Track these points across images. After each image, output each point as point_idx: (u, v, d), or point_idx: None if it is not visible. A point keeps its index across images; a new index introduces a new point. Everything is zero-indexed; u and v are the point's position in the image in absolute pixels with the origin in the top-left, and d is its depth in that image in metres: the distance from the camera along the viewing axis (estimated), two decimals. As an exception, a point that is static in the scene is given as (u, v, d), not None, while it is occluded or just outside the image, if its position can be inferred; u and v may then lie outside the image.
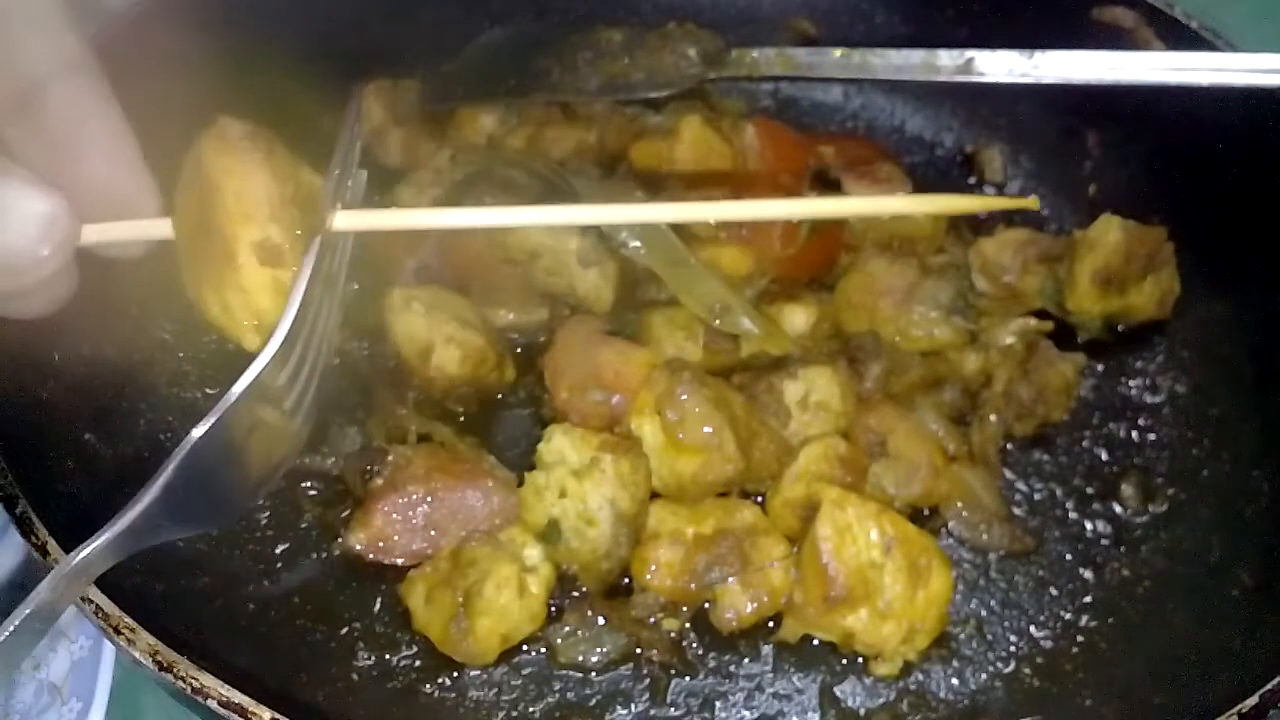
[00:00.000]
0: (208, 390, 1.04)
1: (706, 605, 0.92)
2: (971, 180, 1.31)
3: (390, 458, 0.95)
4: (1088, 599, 0.98)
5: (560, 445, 0.92)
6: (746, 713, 0.90)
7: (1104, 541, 1.02)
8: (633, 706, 0.89)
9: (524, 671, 0.90)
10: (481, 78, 1.23)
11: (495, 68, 1.24)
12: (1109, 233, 1.07)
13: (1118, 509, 1.04)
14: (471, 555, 0.89)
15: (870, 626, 0.88)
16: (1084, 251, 1.08)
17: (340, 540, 0.94)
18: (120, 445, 0.95)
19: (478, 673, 0.90)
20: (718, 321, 1.02)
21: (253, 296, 0.72)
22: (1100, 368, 1.13)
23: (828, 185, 1.18)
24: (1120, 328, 1.13)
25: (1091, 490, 1.05)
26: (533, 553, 0.91)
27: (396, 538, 0.93)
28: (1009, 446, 1.06)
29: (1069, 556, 1.00)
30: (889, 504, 0.95)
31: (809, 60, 1.17)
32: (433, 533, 0.93)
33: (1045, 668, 0.93)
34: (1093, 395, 1.11)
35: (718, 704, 0.90)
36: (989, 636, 0.95)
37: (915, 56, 1.12)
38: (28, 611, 0.62)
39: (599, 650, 0.91)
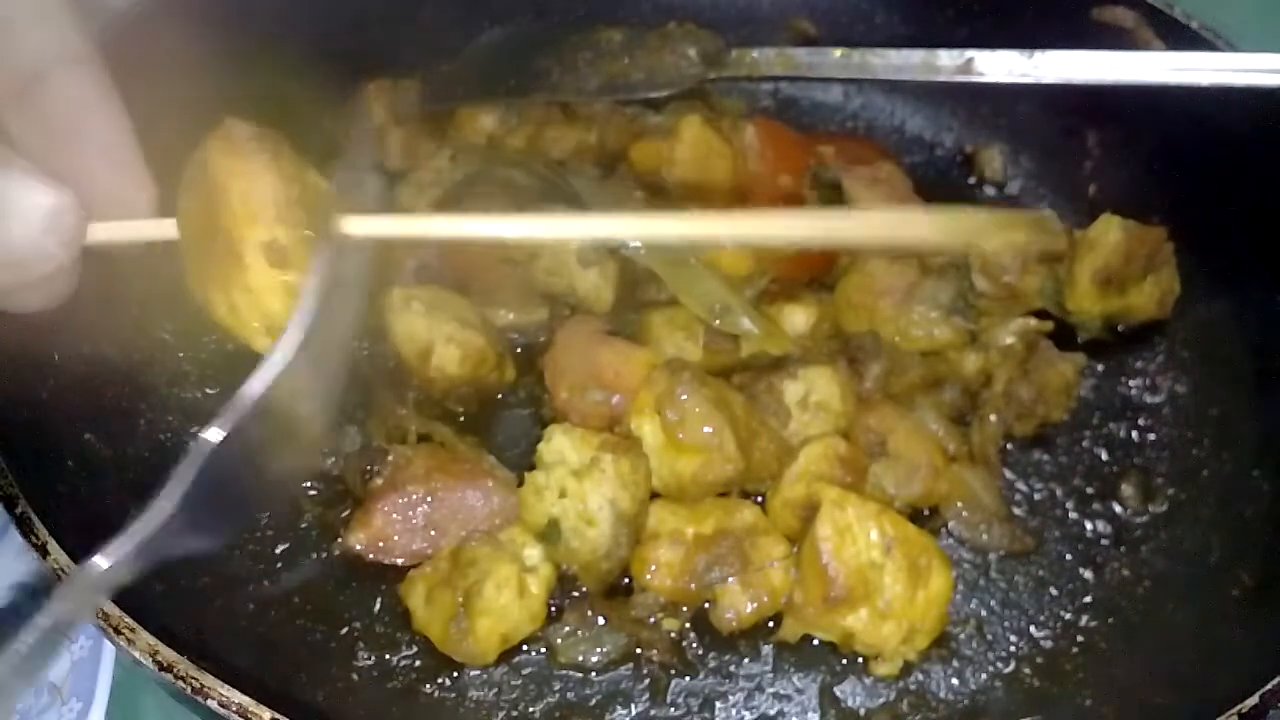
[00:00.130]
0: (208, 390, 1.04)
1: (706, 605, 0.92)
2: (971, 180, 1.31)
3: (390, 458, 0.95)
4: (1088, 599, 0.98)
5: (560, 445, 0.92)
6: (746, 713, 0.90)
7: (1104, 541, 1.02)
8: (633, 706, 0.89)
9: (524, 671, 0.90)
10: (481, 78, 1.23)
11: (495, 68, 1.24)
12: (1109, 233, 1.07)
13: (1118, 509, 1.04)
14: (471, 555, 0.89)
15: (870, 626, 0.88)
16: (1084, 251, 1.08)
17: (340, 540, 0.94)
18: (120, 445, 0.95)
19: (478, 673, 0.90)
20: (718, 321, 1.02)
21: (260, 298, 0.71)
22: (1100, 368, 1.13)
23: (828, 185, 1.18)
24: (1120, 328, 1.13)
25: (1091, 490, 1.05)
26: (533, 553, 0.91)
27: (396, 538, 0.93)
28: (1009, 446, 1.06)
29: (1069, 556, 1.00)
30: (889, 504, 0.95)
31: (809, 60, 1.17)
32: (433, 533, 0.93)
33: (1045, 668, 0.93)
34: (1093, 395, 1.11)
35: (718, 704, 0.90)
36: (989, 636, 0.95)
37: (915, 56, 1.11)
38: (44, 625, 0.61)
39: (599, 650, 0.91)
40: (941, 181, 1.30)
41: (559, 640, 0.91)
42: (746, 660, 0.92)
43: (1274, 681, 0.76)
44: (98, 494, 0.90)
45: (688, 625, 0.93)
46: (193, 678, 0.73)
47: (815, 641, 0.93)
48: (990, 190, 1.30)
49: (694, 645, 0.92)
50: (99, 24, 1.03)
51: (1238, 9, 1.23)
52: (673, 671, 0.91)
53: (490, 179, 1.12)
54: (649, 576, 0.92)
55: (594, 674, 0.91)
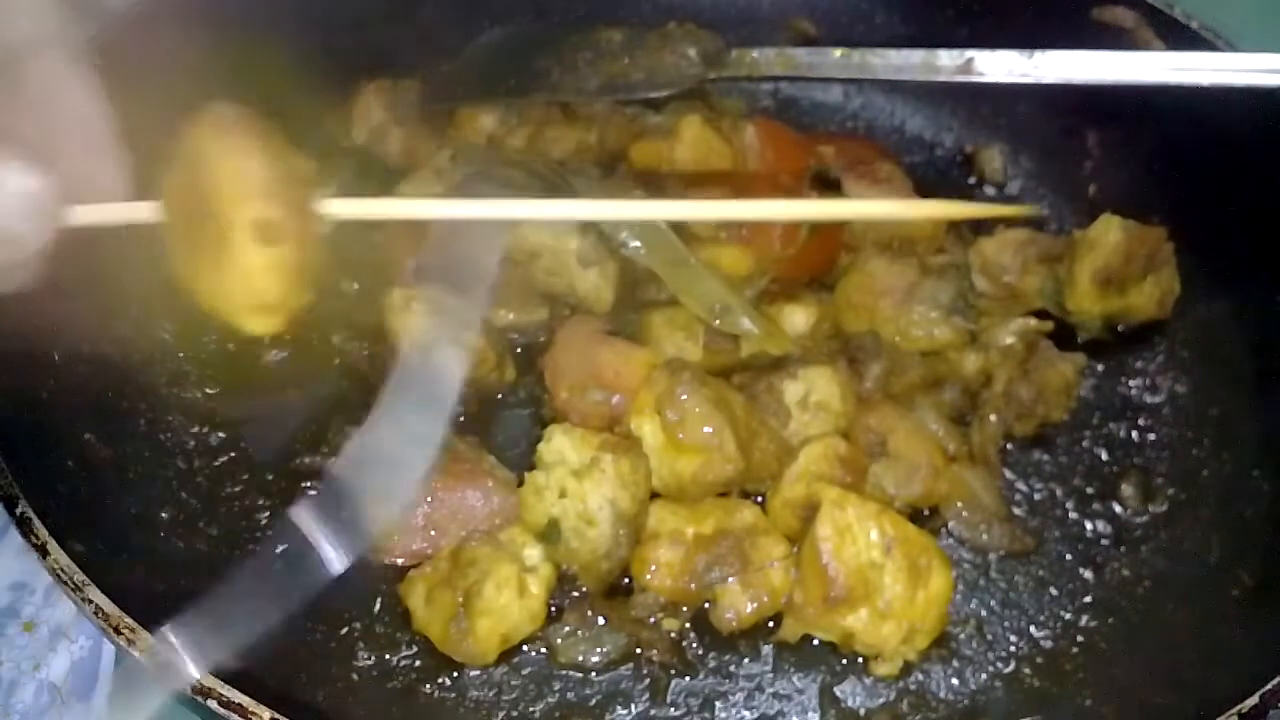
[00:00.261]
0: (208, 390, 1.04)
1: (706, 605, 0.92)
2: (971, 180, 1.31)
3: (390, 458, 0.95)
4: (1088, 599, 0.98)
5: (560, 445, 0.92)
6: (746, 713, 0.90)
7: (1104, 541, 1.02)
8: (633, 706, 0.89)
9: (524, 671, 0.90)
10: (481, 78, 1.23)
11: (495, 68, 1.24)
12: (1109, 233, 1.07)
13: (1118, 509, 1.04)
14: (471, 555, 0.89)
15: (870, 626, 0.88)
16: (1084, 251, 1.08)
17: (340, 540, 0.94)
18: (120, 445, 0.95)
19: (478, 673, 0.90)
20: (718, 321, 1.02)
21: (249, 278, 0.71)
22: (1100, 368, 1.12)
23: (828, 185, 1.18)
24: (1120, 328, 1.13)
25: (1091, 490, 1.05)
26: (533, 553, 0.91)
27: (396, 538, 0.93)
28: (1009, 446, 1.06)
29: (1069, 556, 1.00)
30: (889, 504, 0.95)
31: (809, 60, 1.17)
32: (433, 533, 0.93)
33: (1045, 668, 0.93)
34: (1093, 395, 1.11)
35: (718, 704, 0.90)
36: (989, 636, 0.95)
37: (915, 56, 1.11)
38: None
39: (599, 650, 0.91)
40: (941, 181, 1.30)
41: (559, 640, 0.91)
42: (746, 660, 0.92)
43: (1274, 681, 0.76)
44: (98, 494, 0.90)
45: (688, 625, 0.93)
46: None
47: (815, 641, 0.93)
48: (990, 190, 1.30)
49: (694, 645, 0.92)
50: (96, 25, 1.03)
51: (1238, 9, 1.23)
52: (673, 671, 0.91)
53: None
54: (649, 576, 0.92)
55: (594, 674, 0.91)
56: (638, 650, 0.91)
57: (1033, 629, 0.96)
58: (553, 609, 0.92)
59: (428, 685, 0.89)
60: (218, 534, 0.96)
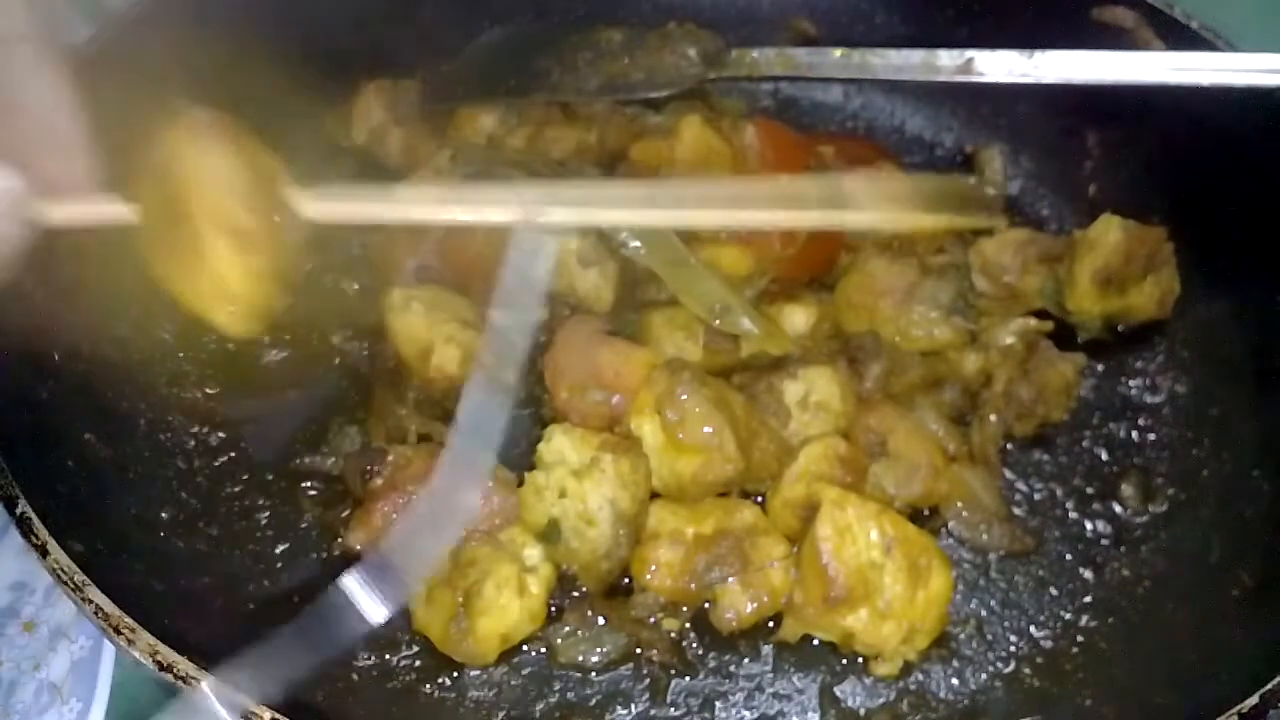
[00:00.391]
0: (208, 390, 1.04)
1: (706, 605, 0.92)
2: (971, 181, 1.31)
3: (390, 458, 0.95)
4: (1088, 599, 0.98)
5: (560, 445, 0.92)
6: (746, 713, 0.90)
7: (1104, 541, 1.02)
8: (633, 706, 0.89)
9: (524, 671, 0.90)
10: (481, 78, 1.23)
11: (495, 68, 1.24)
12: (1109, 233, 1.07)
13: (1118, 509, 1.04)
14: (471, 555, 0.89)
15: (870, 626, 0.88)
16: (1084, 251, 1.08)
17: (340, 540, 0.94)
18: (120, 445, 0.95)
19: (478, 673, 0.90)
20: (718, 321, 1.02)
21: (223, 279, 0.72)
22: (1100, 368, 1.12)
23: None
24: (1120, 328, 1.13)
25: (1091, 490, 1.05)
26: (533, 553, 0.91)
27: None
28: (1009, 446, 1.06)
29: (1069, 556, 1.00)
30: (889, 504, 0.95)
31: (809, 60, 1.18)
32: (433, 533, 0.93)
33: (1045, 668, 0.93)
34: (1093, 395, 1.11)
35: (718, 704, 0.90)
36: (989, 636, 0.95)
37: (915, 56, 1.12)
38: None
39: (599, 650, 0.91)
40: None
41: (559, 640, 0.91)
42: (746, 660, 0.92)
43: (1274, 681, 0.76)
44: (98, 494, 0.90)
45: (688, 625, 0.93)
46: (193, 678, 0.73)
47: (815, 641, 0.93)
48: (990, 190, 1.29)
49: (694, 645, 0.92)
50: (95, 25, 1.03)
51: (1238, 9, 1.23)
52: (673, 671, 0.91)
53: (490, 179, 1.12)
54: (649, 576, 0.92)
55: (594, 674, 0.91)
56: (638, 650, 0.91)
57: (1033, 629, 0.96)
58: (553, 609, 0.92)
59: (428, 685, 0.89)
60: (218, 534, 0.96)
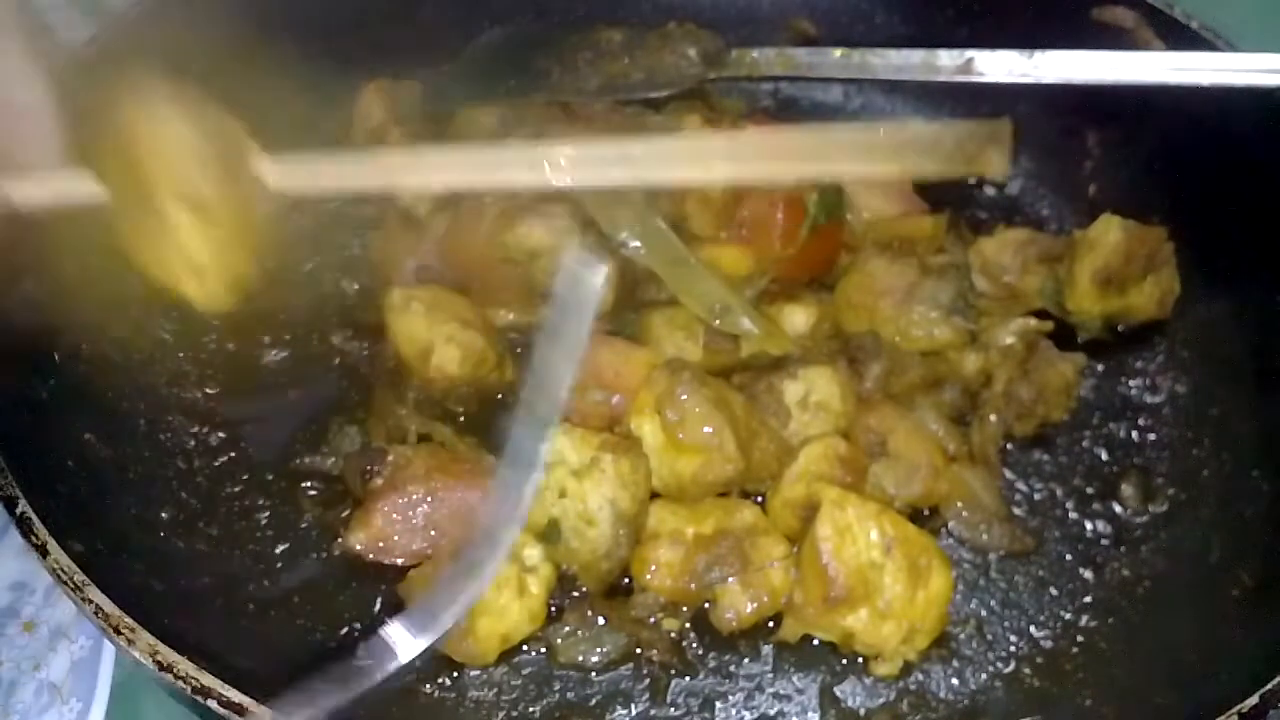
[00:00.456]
0: (208, 390, 1.04)
1: (706, 605, 0.92)
2: (971, 180, 1.31)
3: (390, 458, 0.95)
4: (1088, 599, 0.98)
5: (560, 445, 0.92)
6: (746, 713, 0.90)
7: (1104, 541, 1.02)
8: (633, 706, 0.89)
9: (524, 671, 0.90)
10: (482, 78, 1.23)
11: (495, 68, 1.24)
12: (1109, 233, 1.07)
13: (1118, 509, 1.04)
14: (471, 555, 0.89)
15: (870, 626, 0.88)
16: (1084, 251, 1.08)
17: (340, 540, 0.94)
18: (120, 445, 0.95)
19: (478, 673, 0.90)
20: (718, 321, 1.02)
21: (189, 251, 0.72)
22: (1100, 368, 1.12)
23: (828, 185, 1.18)
24: (1120, 328, 1.13)
25: (1091, 490, 1.05)
26: (533, 553, 0.91)
27: (396, 538, 0.93)
28: (1009, 446, 1.06)
29: (1069, 556, 1.00)
30: (889, 504, 0.95)
31: (809, 60, 1.18)
32: (433, 533, 0.93)
33: (1045, 668, 0.93)
34: (1093, 395, 1.11)
35: (718, 704, 0.90)
36: (989, 636, 0.95)
37: (915, 56, 1.12)
38: None
39: (599, 650, 0.91)
40: (941, 181, 1.29)
41: (559, 640, 0.91)
42: (746, 660, 0.92)
43: (1274, 681, 0.76)
44: (98, 494, 0.90)
45: (688, 625, 0.93)
46: (193, 678, 0.73)
47: (815, 641, 0.93)
48: (990, 190, 1.29)
49: (694, 645, 0.92)
50: (96, 25, 1.04)
51: (1238, 9, 1.23)
52: (673, 671, 0.91)
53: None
54: (649, 576, 0.92)
55: (594, 674, 0.91)
56: (638, 650, 0.91)
57: (1033, 629, 0.96)
58: (553, 609, 0.92)
59: (428, 685, 0.89)
60: (218, 534, 0.95)
